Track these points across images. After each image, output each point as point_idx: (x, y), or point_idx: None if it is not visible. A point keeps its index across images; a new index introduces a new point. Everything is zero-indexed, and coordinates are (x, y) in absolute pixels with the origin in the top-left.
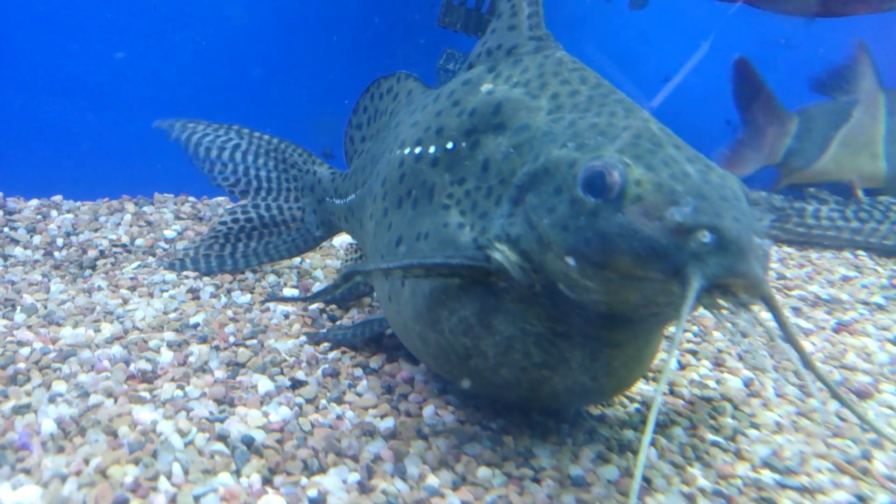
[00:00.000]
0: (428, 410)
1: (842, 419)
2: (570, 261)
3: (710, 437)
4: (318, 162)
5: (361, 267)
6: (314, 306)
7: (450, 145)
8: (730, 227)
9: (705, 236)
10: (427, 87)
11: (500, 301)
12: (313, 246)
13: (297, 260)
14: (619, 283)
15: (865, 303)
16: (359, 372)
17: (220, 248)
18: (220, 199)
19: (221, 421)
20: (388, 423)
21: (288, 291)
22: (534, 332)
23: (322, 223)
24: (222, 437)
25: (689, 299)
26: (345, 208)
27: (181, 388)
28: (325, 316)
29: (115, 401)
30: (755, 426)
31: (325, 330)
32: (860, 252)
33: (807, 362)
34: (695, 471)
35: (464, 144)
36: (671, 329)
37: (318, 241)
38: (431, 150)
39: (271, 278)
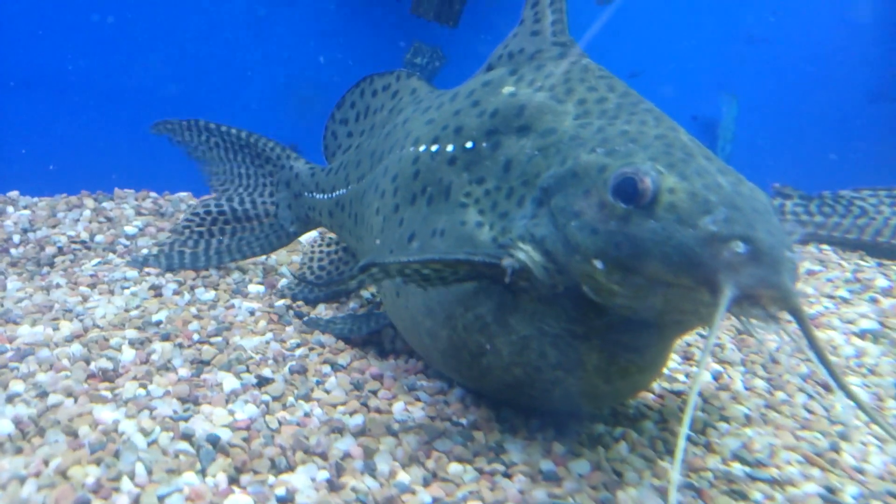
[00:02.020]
0: (397, 406)
1: (810, 412)
2: (598, 264)
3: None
4: (294, 156)
5: (380, 259)
6: (280, 303)
7: (469, 144)
8: (763, 239)
9: (739, 247)
10: (433, 87)
11: (519, 300)
12: (287, 242)
13: (262, 256)
14: (647, 288)
15: (830, 296)
16: (327, 369)
17: (194, 243)
18: (182, 194)
19: (186, 420)
20: (357, 420)
21: (253, 288)
22: (551, 333)
23: (297, 218)
24: (187, 436)
25: (721, 307)
26: (330, 203)
27: (144, 386)
28: (291, 312)
29: (76, 400)
30: (725, 419)
31: (322, 322)
32: (824, 246)
33: (833, 375)
34: (666, 464)
35: (484, 144)
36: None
37: (292, 237)
38: (449, 148)
39: (236, 275)
